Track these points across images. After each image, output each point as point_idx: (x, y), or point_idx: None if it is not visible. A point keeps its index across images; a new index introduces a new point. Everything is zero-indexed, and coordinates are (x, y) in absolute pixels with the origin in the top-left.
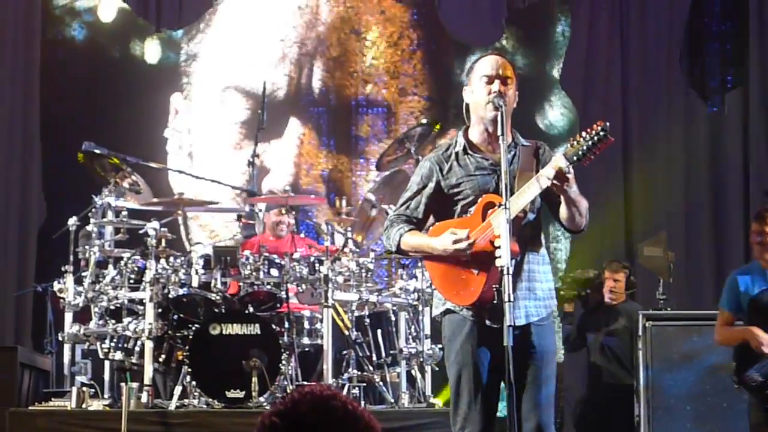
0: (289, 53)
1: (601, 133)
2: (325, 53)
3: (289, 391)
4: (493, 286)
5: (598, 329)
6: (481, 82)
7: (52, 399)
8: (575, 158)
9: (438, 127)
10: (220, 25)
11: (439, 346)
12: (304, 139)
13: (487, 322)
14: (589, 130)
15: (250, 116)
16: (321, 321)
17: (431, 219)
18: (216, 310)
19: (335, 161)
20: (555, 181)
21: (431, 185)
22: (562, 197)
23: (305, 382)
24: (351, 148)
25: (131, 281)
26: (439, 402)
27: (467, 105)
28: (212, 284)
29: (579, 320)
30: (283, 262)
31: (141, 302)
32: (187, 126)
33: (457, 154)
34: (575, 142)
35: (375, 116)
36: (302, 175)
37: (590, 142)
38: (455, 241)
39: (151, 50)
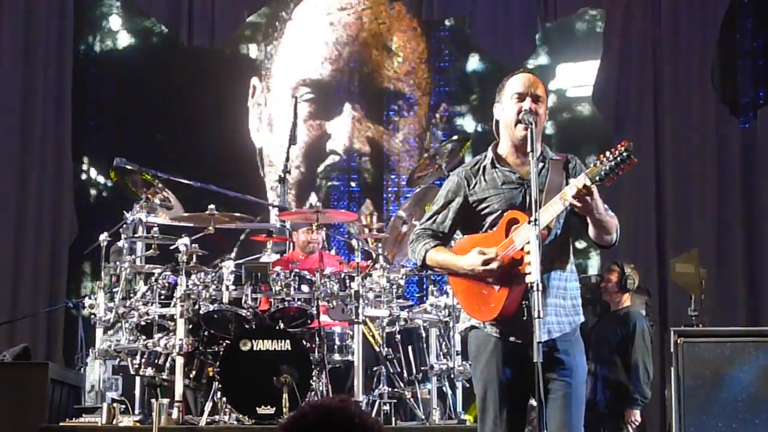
0: (339, 55)
1: (624, 154)
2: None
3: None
4: (523, 302)
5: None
6: (512, 100)
7: (83, 415)
8: (597, 178)
9: (468, 144)
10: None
11: (470, 362)
12: (355, 115)
13: (511, 339)
14: (612, 150)
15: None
16: (352, 337)
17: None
18: (247, 326)
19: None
20: (576, 202)
21: (458, 199)
22: (587, 217)
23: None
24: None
25: (162, 297)
26: (469, 418)
27: (497, 121)
28: (243, 300)
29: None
30: (313, 279)
31: (172, 318)
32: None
33: (485, 167)
34: (598, 162)
35: (407, 133)
36: (354, 139)
37: (613, 163)
38: (485, 262)
39: None
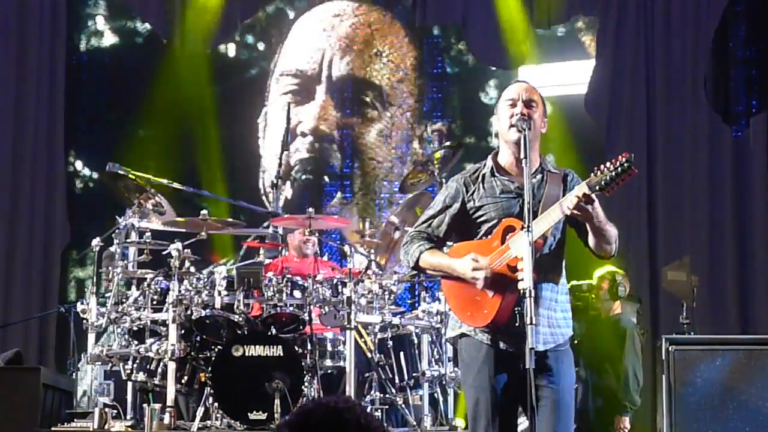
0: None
1: (626, 165)
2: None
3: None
4: (515, 309)
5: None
6: (505, 107)
7: (75, 420)
8: (598, 188)
9: (461, 151)
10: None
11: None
12: (326, 102)
13: (502, 346)
14: (613, 161)
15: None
16: (344, 343)
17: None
18: (239, 332)
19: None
20: (576, 210)
21: (456, 205)
22: (587, 225)
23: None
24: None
25: (154, 302)
26: (461, 423)
27: (496, 133)
28: (235, 306)
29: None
30: (306, 284)
31: (164, 323)
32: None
33: (484, 176)
34: (599, 172)
35: (398, 139)
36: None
37: (614, 173)
38: (475, 269)
39: None
